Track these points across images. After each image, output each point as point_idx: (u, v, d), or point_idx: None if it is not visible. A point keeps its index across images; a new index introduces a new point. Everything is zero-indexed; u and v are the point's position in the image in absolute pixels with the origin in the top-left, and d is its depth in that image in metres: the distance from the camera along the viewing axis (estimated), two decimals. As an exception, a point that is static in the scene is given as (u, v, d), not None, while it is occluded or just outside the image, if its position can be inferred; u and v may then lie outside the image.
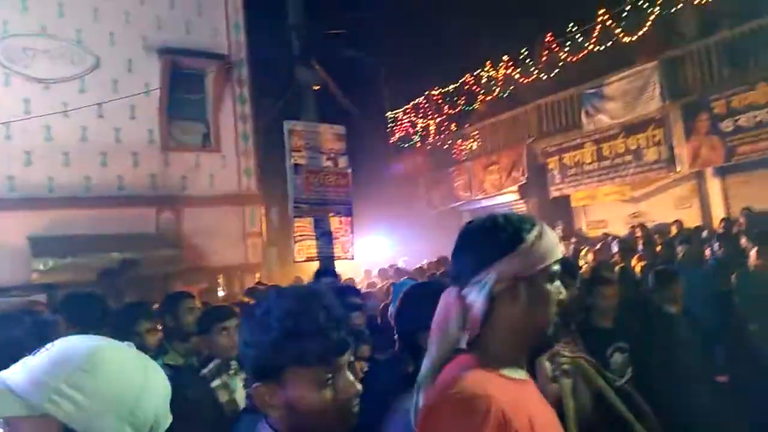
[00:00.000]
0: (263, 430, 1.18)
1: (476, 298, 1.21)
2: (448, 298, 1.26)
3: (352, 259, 10.24)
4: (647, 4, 12.25)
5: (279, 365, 1.13)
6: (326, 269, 5.47)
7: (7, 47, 9.39)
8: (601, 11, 13.02)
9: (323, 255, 9.45)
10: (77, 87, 9.93)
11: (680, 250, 7.09)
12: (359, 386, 1.19)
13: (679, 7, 11.94)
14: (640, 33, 12.33)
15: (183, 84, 10.91)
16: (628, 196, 12.99)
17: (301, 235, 9.46)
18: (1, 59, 9.35)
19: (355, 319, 3.49)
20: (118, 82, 10.24)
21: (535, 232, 1.24)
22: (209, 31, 11.18)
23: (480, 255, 1.24)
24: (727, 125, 10.57)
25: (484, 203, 15.37)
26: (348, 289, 4.08)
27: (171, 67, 10.64)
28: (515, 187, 14.60)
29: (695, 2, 11.65)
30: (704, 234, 9.01)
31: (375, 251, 14.59)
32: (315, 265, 8.49)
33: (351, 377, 1.19)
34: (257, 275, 10.29)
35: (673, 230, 9.84)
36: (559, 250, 1.28)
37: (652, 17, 12.15)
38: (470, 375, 1.14)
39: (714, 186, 11.41)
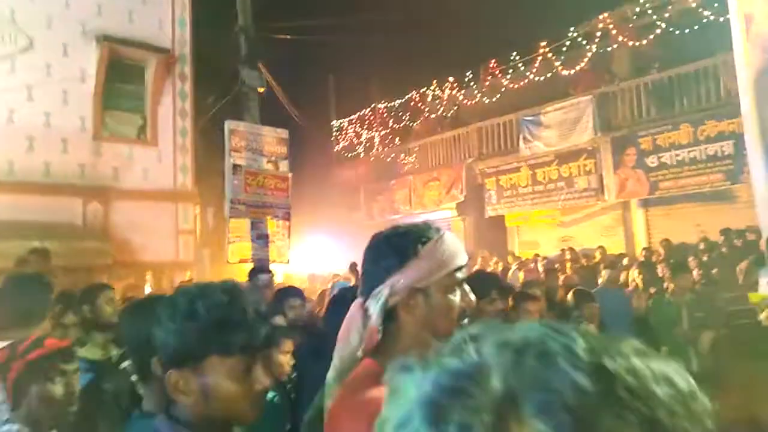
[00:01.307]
0: (163, 428, 1.19)
1: (374, 310, 1.23)
2: (352, 309, 1.30)
3: (288, 263, 10.14)
4: (586, 41, 12.90)
5: (200, 353, 1.16)
6: (261, 267, 5.41)
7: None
8: (543, 43, 13.61)
9: (258, 257, 9.31)
10: (7, 67, 9.40)
11: (603, 274, 7.47)
12: (269, 381, 1.24)
13: (614, 47, 12.65)
14: (578, 68, 12.94)
15: (121, 74, 10.52)
16: (558, 220, 13.55)
17: (236, 236, 9.31)
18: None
19: (293, 310, 3.58)
20: (51, 66, 9.76)
21: (431, 243, 1.25)
22: (153, 23, 10.86)
23: (378, 267, 1.27)
24: (652, 161, 11.24)
25: (423, 217, 15.58)
26: (290, 288, 4.10)
27: (109, 56, 10.24)
28: (453, 204, 14.91)
29: (629, 44, 12.37)
30: (626, 261, 9.50)
31: (313, 258, 14.51)
32: (248, 267, 8.36)
33: (262, 374, 1.22)
34: (188, 274, 10.00)
35: (597, 255, 10.32)
36: (462, 258, 1.28)
37: (589, 54, 12.79)
38: (366, 380, 1.15)
39: (637, 216, 12.08)
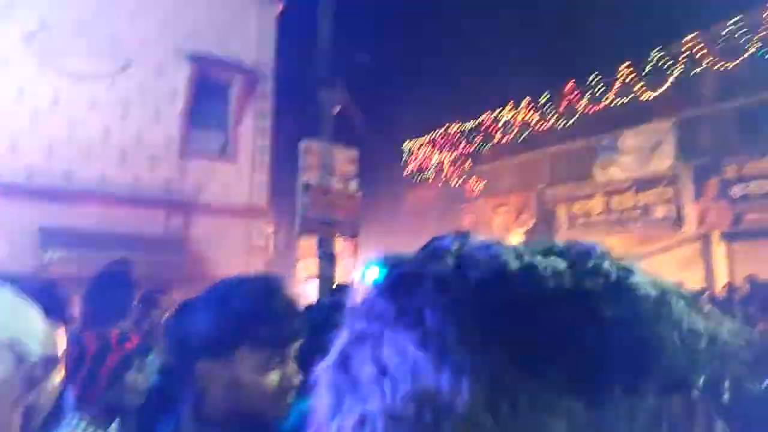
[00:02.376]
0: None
1: None
2: None
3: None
4: (669, 63, 12.45)
5: (231, 343, 1.16)
6: (341, 286, 5.46)
7: (43, 39, 9.70)
8: (624, 66, 13.23)
9: (324, 275, 9.53)
10: (106, 84, 10.18)
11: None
12: (300, 377, 1.21)
13: (699, 70, 12.14)
14: (660, 91, 12.50)
15: (207, 92, 11.17)
16: (633, 251, 13.00)
17: (305, 254, 9.58)
18: (35, 50, 9.64)
19: None
20: (145, 85, 10.49)
21: None
22: (239, 43, 11.47)
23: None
24: (736, 191, 10.65)
25: (490, 243, 15.42)
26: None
27: (199, 75, 10.92)
28: (522, 231, 14.66)
29: (715, 67, 11.83)
30: (705, 297, 9.00)
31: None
32: (315, 284, 8.58)
33: (296, 368, 1.21)
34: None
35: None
36: None
37: (672, 77, 12.34)
38: None
39: (719, 250, 11.41)
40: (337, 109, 11.24)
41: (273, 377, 1.18)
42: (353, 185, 10.50)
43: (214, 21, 11.21)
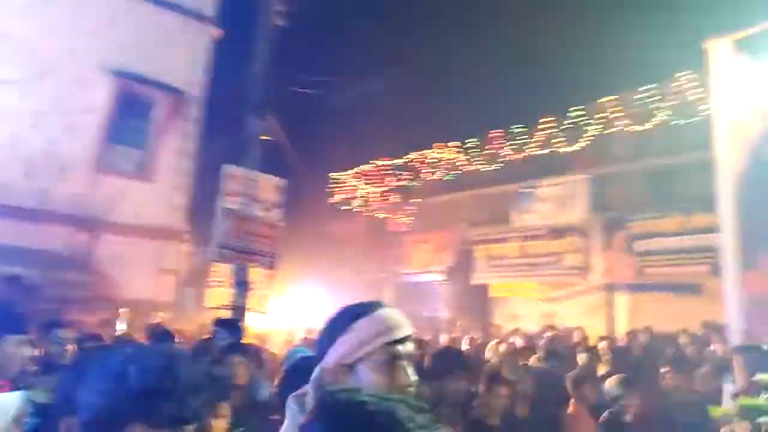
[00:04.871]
0: None
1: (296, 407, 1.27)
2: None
3: (266, 313, 10.05)
4: (587, 122, 13.20)
5: (124, 420, 1.09)
6: (227, 321, 5.34)
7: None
8: (546, 119, 13.91)
9: (235, 305, 9.26)
10: (16, 93, 9.63)
11: (580, 358, 7.41)
12: None
13: (614, 130, 12.92)
14: (577, 146, 13.21)
15: (130, 109, 10.79)
16: (543, 295, 13.52)
17: (218, 281, 9.30)
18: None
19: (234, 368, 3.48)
20: (62, 96, 10.01)
21: (362, 318, 1.28)
22: (169, 63, 11.20)
23: (319, 346, 1.33)
24: (640, 245, 11.33)
25: (411, 278, 15.59)
26: (236, 345, 4.04)
27: (121, 91, 10.54)
28: (441, 268, 14.92)
29: (629, 129, 12.63)
30: (604, 345, 9.41)
31: (296, 311, 14.38)
32: (227, 313, 8.31)
33: None
34: (160, 314, 9.91)
35: (576, 336, 10.24)
36: (398, 332, 1.28)
37: (589, 134, 13.07)
38: None
39: (622, 300, 12.06)
40: (266, 137, 11.13)
41: None
42: (276, 214, 10.34)
43: (145, 39, 10.91)
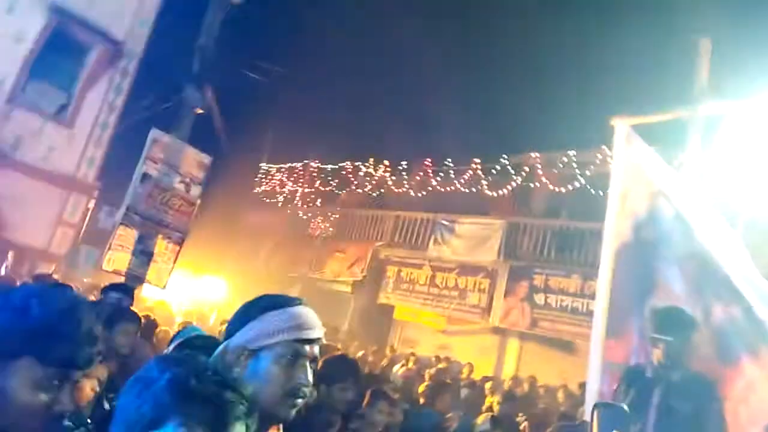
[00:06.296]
0: None
1: None
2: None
3: (164, 288, 9.67)
4: (513, 171, 13.76)
5: (17, 352, 1.09)
6: (121, 286, 5.13)
7: None
8: (477, 160, 14.38)
9: (133, 273, 8.86)
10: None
11: (463, 392, 7.69)
12: (71, 405, 1.18)
13: (534, 185, 13.54)
14: (500, 192, 13.72)
15: (61, 48, 10.14)
16: (442, 327, 13.84)
17: (119, 245, 8.86)
18: None
19: (123, 336, 3.49)
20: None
21: (276, 310, 1.31)
22: (113, 12, 10.65)
23: (230, 327, 1.35)
24: (539, 298, 11.85)
25: (320, 284, 15.50)
26: (129, 312, 3.92)
27: (56, 27, 9.89)
28: (351, 280, 14.94)
29: (548, 186, 13.27)
30: (489, 385, 9.76)
31: (193, 292, 13.92)
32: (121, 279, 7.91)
33: (70, 397, 1.16)
34: (53, 266, 9.32)
35: (465, 371, 10.56)
36: (308, 333, 1.31)
37: (512, 183, 13.61)
38: None
39: (513, 345, 12.56)
40: (200, 110, 10.81)
41: (43, 397, 1.10)
42: (196, 191, 10.03)
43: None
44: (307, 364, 1.32)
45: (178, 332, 3.70)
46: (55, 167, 10.02)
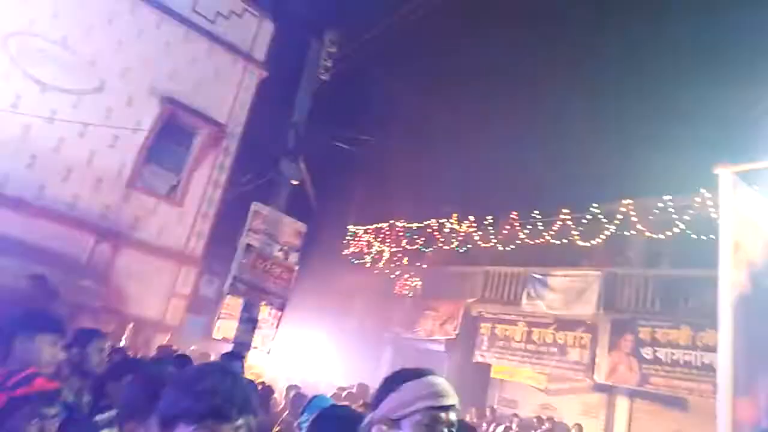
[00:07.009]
0: None
1: None
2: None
3: (269, 353, 10.05)
4: (605, 220, 13.35)
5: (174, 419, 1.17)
6: (236, 353, 5.44)
7: (24, 43, 9.59)
8: (565, 211, 14.10)
9: (240, 340, 9.29)
10: (72, 101, 10.04)
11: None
12: None
13: (631, 233, 13.05)
14: (593, 242, 13.32)
15: (171, 132, 11.17)
16: (543, 385, 13.32)
17: (227, 313, 9.36)
18: (13, 51, 9.49)
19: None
20: (112, 111, 10.41)
21: (413, 380, 1.42)
22: (216, 97, 11.67)
23: (375, 398, 1.48)
24: (647, 352, 11.20)
25: (413, 343, 15.46)
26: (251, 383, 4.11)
27: (167, 115, 10.96)
28: (444, 339, 14.81)
29: (645, 234, 12.76)
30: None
31: (296, 353, 14.31)
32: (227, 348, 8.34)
33: None
34: (167, 337, 9.94)
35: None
36: (442, 400, 1.40)
37: (606, 232, 13.20)
38: None
39: (622, 404, 11.85)
40: (294, 181, 11.44)
41: None
42: (294, 258, 10.51)
43: (196, 71, 11.45)
44: (444, 430, 1.39)
45: (311, 402, 3.87)
46: (168, 243, 10.85)
